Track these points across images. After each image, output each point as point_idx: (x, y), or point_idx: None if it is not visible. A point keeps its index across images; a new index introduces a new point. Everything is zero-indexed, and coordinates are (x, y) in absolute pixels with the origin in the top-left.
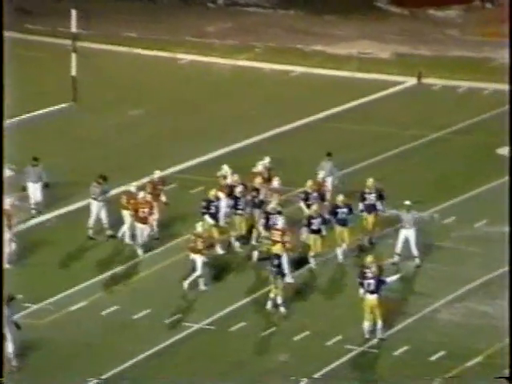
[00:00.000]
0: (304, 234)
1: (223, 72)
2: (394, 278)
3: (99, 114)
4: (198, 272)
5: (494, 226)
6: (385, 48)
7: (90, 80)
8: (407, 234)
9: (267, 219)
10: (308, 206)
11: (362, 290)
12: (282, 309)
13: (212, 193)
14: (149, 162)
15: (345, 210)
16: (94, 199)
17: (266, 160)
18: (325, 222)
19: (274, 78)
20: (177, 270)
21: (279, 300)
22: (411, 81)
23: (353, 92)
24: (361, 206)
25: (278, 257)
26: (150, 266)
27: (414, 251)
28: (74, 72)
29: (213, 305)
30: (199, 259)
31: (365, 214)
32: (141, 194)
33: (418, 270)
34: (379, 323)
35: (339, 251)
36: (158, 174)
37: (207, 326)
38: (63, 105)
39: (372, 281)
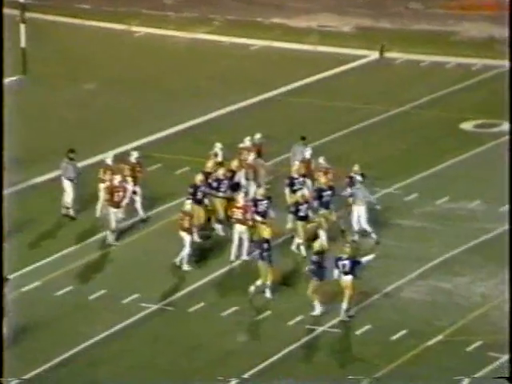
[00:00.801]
0: (290, 221)
1: (180, 45)
2: (369, 258)
3: (51, 88)
4: (186, 250)
5: (457, 202)
6: (346, 21)
7: (41, 52)
8: (359, 210)
9: (255, 206)
10: (294, 192)
11: (336, 272)
12: (268, 294)
13: (199, 177)
14: (103, 138)
15: (329, 192)
16: (70, 180)
17: (258, 136)
18: (312, 207)
19: (233, 52)
20: (133, 249)
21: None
22: (373, 55)
23: (314, 66)
24: (349, 190)
25: (267, 241)
26: (106, 245)
27: (368, 228)
28: (23, 43)
29: (171, 285)
30: (187, 237)
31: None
32: (118, 178)
33: (379, 247)
34: (344, 304)
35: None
36: (135, 155)
37: (165, 307)
38: (12, 78)
39: (347, 262)
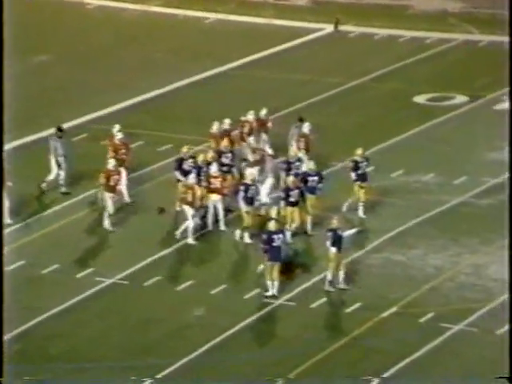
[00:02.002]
0: (282, 207)
1: (134, 18)
2: (352, 232)
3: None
4: (190, 223)
5: (411, 175)
6: None
7: None
8: (269, 181)
9: (246, 191)
10: (289, 175)
11: (328, 242)
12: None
13: (201, 158)
14: (56, 111)
15: (315, 177)
16: (60, 157)
17: (264, 111)
18: (302, 193)
19: (188, 25)
20: (87, 224)
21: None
22: (328, 28)
23: (269, 39)
24: (353, 175)
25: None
26: (59, 218)
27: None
28: None
29: (126, 259)
30: (190, 211)
31: (358, 183)
32: (112, 162)
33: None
34: (329, 275)
35: (308, 222)
36: (119, 136)
37: (120, 281)
38: None
39: (329, 234)
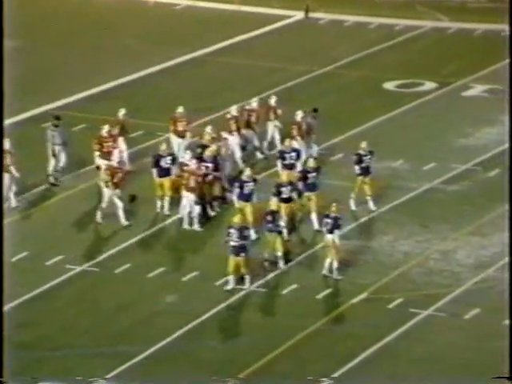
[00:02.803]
0: (273, 203)
1: (104, 4)
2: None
3: None
4: (196, 210)
5: (381, 161)
6: None
7: None
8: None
9: (241, 188)
10: (285, 167)
11: (325, 229)
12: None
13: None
14: (25, 97)
15: (314, 174)
16: (63, 145)
17: (273, 98)
18: (295, 189)
19: (158, 12)
20: (57, 211)
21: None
22: (298, 15)
23: (239, 26)
24: (357, 168)
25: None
26: (27, 206)
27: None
28: None
29: (97, 246)
30: (192, 197)
31: (361, 178)
32: (116, 159)
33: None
34: (328, 262)
35: (314, 219)
36: (105, 129)
37: (90, 268)
38: None
39: (329, 220)
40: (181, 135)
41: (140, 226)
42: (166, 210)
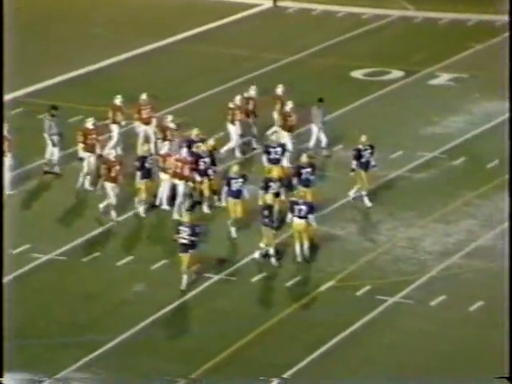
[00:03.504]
0: (260, 197)
1: None
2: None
3: None
4: (179, 198)
5: (349, 150)
6: None
7: None
8: None
9: (229, 185)
10: (270, 161)
11: (289, 216)
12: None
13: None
14: None
15: (309, 169)
16: (59, 135)
17: (280, 88)
18: (284, 184)
19: (126, 0)
20: (24, 200)
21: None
22: (267, 3)
23: (208, 14)
24: (356, 163)
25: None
26: None
27: None
28: None
29: (65, 235)
30: (182, 185)
31: (361, 172)
32: (113, 152)
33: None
34: (305, 244)
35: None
36: (90, 121)
37: (58, 257)
38: None
39: (304, 207)
40: (146, 122)
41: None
42: (142, 213)
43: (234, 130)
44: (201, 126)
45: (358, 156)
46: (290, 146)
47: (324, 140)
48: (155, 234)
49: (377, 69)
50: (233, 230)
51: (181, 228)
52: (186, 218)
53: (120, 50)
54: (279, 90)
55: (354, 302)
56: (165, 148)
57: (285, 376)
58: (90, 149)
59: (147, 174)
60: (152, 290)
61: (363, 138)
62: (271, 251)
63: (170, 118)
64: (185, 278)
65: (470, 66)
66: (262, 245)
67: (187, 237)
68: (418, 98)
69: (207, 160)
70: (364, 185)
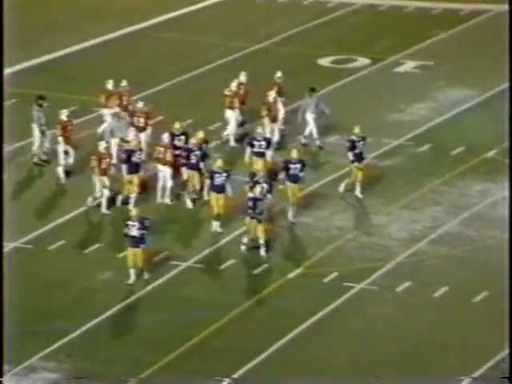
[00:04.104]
0: (247, 191)
1: None
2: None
3: None
4: (169, 185)
5: (322, 138)
6: None
7: None
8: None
9: (212, 179)
10: (254, 154)
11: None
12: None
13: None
14: None
15: (298, 165)
16: (47, 125)
17: (279, 74)
18: (267, 181)
19: None
20: None
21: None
22: None
23: (176, 1)
24: (351, 155)
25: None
26: None
27: None
28: None
29: (30, 223)
30: (168, 171)
31: (356, 164)
32: (102, 144)
33: (242, 184)
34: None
35: (291, 210)
36: (65, 113)
37: (23, 245)
38: None
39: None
40: (125, 110)
41: (76, 202)
42: (132, 207)
43: (233, 116)
44: (168, 113)
45: (353, 147)
46: (276, 137)
47: (315, 130)
48: (121, 222)
49: (343, 56)
50: (215, 224)
51: (129, 222)
52: (134, 211)
53: (87, 36)
54: (277, 75)
55: (321, 289)
56: (131, 134)
57: (250, 366)
58: (68, 141)
59: (133, 169)
60: (119, 278)
61: (356, 130)
62: (261, 242)
63: (140, 104)
64: (132, 273)
65: (435, 53)
66: (245, 239)
67: (136, 231)
68: (383, 85)
69: (198, 153)
70: (358, 176)
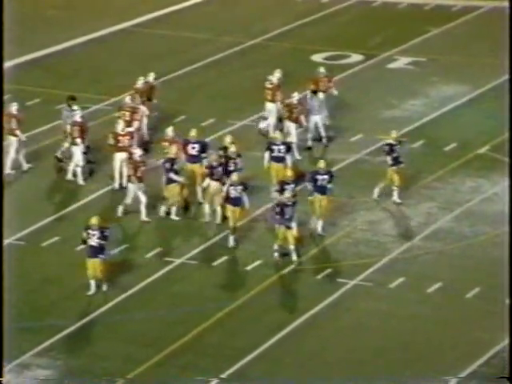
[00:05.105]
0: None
1: None
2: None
3: None
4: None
5: (309, 133)
6: None
7: None
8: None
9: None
10: (273, 159)
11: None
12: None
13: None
14: None
15: (325, 176)
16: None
17: (278, 74)
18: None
19: None
20: None
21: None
22: None
23: None
24: (389, 159)
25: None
26: None
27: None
28: None
29: (24, 219)
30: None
31: (394, 168)
32: (138, 152)
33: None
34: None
35: (318, 223)
36: (78, 114)
37: (17, 242)
38: None
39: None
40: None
41: (68, 199)
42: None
43: (274, 108)
44: (160, 109)
45: (391, 151)
46: (295, 138)
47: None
48: (114, 218)
49: (337, 53)
50: (231, 238)
51: (89, 231)
52: (94, 220)
53: (78, 32)
54: (276, 75)
55: (314, 285)
56: (119, 127)
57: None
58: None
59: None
60: (112, 275)
61: (394, 133)
62: (291, 247)
63: (127, 98)
64: (93, 284)
65: (428, 49)
66: (275, 246)
67: (96, 240)
68: (377, 81)
69: (220, 170)
70: (395, 181)
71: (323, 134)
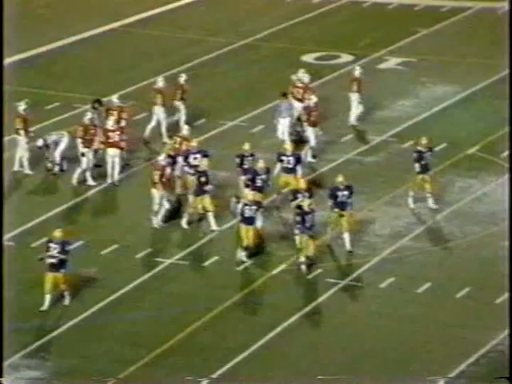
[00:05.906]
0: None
1: None
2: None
3: None
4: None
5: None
6: None
7: None
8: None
9: (242, 210)
10: (283, 170)
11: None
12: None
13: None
14: None
15: (345, 192)
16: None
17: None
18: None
19: None
20: None
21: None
22: None
23: None
24: (417, 166)
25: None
26: None
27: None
28: None
29: (13, 219)
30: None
31: (422, 176)
32: (162, 156)
33: (222, 178)
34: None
35: (346, 239)
36: (88, 115)
37: (6, 242)
38: None
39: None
40: None
41: (58, 200)
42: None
43: (300, 108)
44: (151, 110)
45: (420, 158)
46: (313, 142)
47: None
48: (105, 219)
49: (327, 53)
50: (242, 254)
51: (50, 245)
52: (56, 233)
53: (70, 32)
54: (299, 74)
55: (305, 286)
56: (109, 123)
57: (235, 361)
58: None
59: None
60: (103, 275)
61: (424, 140)
62: (302, 258)
63: (115, 98)
64: (48, 299)
65: (418, 50)
66: (302, 258)
67: (57, 254)
68: (367, 81)
69: (264, 177)
70: (428, 187)
71: (286, 137)
